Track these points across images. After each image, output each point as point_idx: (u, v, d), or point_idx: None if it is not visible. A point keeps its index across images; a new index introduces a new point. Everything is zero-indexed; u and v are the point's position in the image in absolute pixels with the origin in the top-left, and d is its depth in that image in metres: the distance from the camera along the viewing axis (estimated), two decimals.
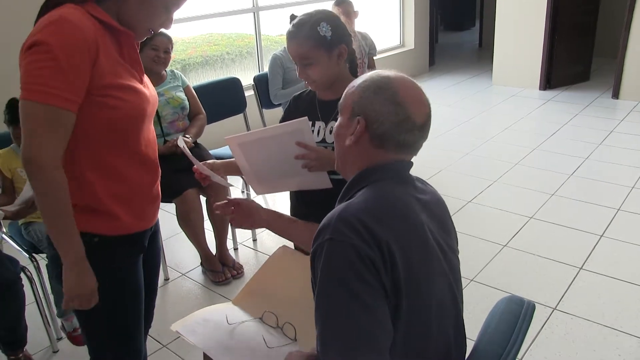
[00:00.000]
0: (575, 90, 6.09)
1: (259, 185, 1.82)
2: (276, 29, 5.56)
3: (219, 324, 1.40)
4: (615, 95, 5.67)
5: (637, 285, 2.55)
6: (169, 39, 2.76)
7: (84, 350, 2.23)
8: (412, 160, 1.19)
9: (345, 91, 1.20)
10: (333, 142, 1.28)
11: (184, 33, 4.99)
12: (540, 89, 6.16)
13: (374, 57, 3.95)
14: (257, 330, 1.39)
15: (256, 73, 4.15)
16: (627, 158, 4.13)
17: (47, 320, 2.28)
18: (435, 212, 1.18)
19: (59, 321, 2.38)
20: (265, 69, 3.54)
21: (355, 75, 1.74)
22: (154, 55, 2.73)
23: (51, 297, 2.32)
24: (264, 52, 5.18)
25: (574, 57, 6.21)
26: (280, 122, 1.85)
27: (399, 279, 1.00)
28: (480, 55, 8.47)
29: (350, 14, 3.60)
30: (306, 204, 1.79)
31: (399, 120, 1.10)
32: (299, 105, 1.80)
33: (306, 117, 1.54)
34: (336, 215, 1.04)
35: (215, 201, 2.76)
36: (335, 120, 1.24)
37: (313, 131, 1.72)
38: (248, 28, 5.16)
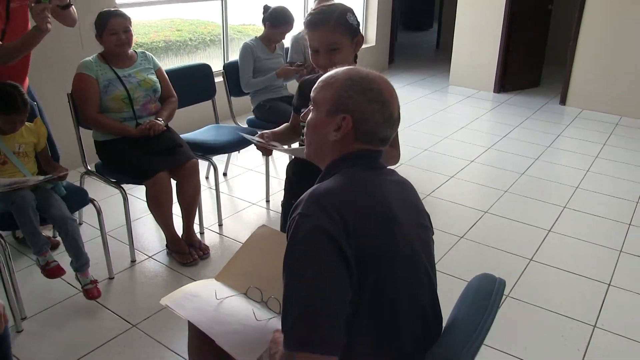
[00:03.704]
0: (526, 95, 6.41)
1: None
2: (240, 19, 5.54)
3: (207, 299, 1.45)
4: (563, 101, 6.01)
5: (579, 276, 2.77)
6: (124, 17, 2.67)
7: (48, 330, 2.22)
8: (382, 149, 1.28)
9: (316, 85, 1.27)
10: None
11: (145, 16, 4.90)
12: (494, 91, 6.44)
13: None
14: (245, 304, 1.45)
15: (221, 61, 4.15)
16: (572, 160, 4.41)
17: (10, 300, 2.24)
18: (405, 194, 1.29)
19: (34, 257, 2.37)
20: (232, 58, 3.55)
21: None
22: (116, 39, 2.65)
23: (15, 275, 2.29)
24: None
25: (527, 64, 6.53)
26: (293, 107, 1.98)
27: (363, 253, 1.09)
28: (437, 56, 8.73)
29: None
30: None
31: (384, 119, 1.21)
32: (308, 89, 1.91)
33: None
34: (308, 194, 1.14)
35: (185, 184, 2.80)
36: None
37: None
38: (212, 15, 5.12)
